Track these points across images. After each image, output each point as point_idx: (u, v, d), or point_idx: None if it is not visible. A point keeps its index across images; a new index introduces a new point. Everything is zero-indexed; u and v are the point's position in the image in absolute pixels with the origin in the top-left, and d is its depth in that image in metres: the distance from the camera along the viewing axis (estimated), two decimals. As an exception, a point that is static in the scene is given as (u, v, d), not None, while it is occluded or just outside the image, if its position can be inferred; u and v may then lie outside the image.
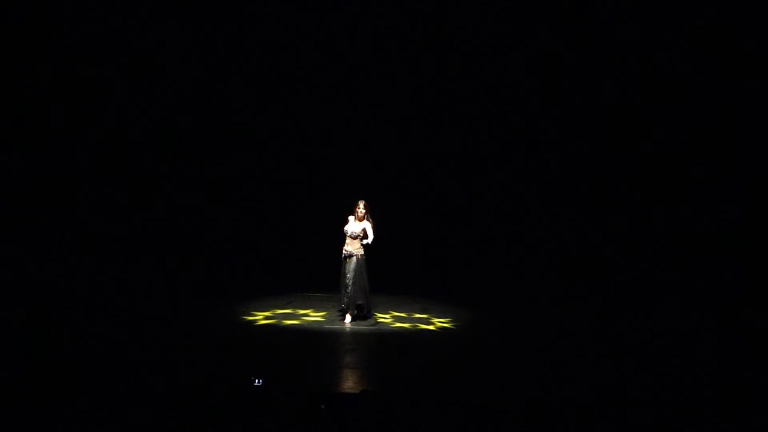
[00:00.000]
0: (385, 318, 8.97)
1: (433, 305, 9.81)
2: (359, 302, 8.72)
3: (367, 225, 8.75)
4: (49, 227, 10.49)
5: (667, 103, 10.32)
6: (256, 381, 5.31)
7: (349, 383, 6.26)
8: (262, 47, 11.27)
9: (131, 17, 10.62)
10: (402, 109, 11.53)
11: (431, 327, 8.63)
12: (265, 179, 11.73)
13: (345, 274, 8.76)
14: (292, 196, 11.76)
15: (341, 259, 8.84)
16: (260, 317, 8.81)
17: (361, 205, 8.79)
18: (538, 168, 11.30)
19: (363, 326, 8.50)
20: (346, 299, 8.73)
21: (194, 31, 10.95)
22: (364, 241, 8.70)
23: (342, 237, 8.86)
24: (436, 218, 11.58)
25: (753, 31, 9.60)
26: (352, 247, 8.78)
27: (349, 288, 8.68)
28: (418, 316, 9.20)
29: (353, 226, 8.78)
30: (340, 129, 11.61)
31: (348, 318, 8.68)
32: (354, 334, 8.14)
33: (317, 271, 10.24)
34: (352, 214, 8.82)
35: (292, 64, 11.43)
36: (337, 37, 11.30)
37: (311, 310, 9.36)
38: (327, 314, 9.05)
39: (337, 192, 11.20)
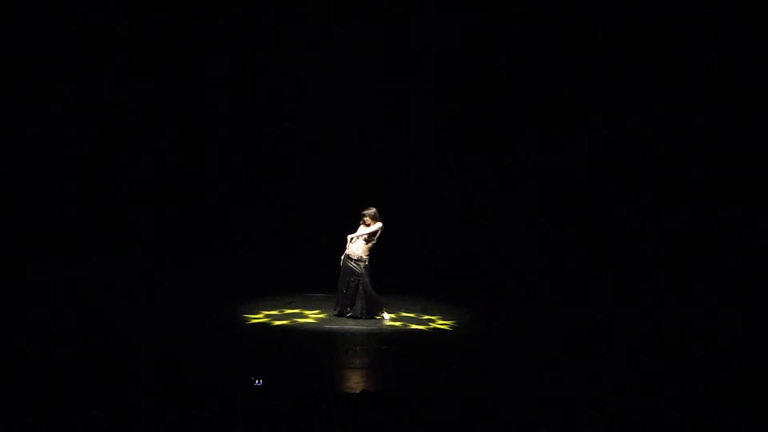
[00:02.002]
0: (387, 318, 8.95)
1: (434, 305, 9.81)
2: (377, 306, 8.86)
3: (378, 226, 8.81)
4: (47, 225, 10.53)
5: None
6: (256, 381, 5.31)
7: (349, 383, 6.27)
8: (261, 44, 11.28)
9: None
10: (402, 107, 11.52)
11: (431, 327, 8.63)
12: (263, 178, 11.74)
13: (353, 278, 8.78)
14: (292, 195, 11.75)
15: (345, 260, 8.86)
16: (260, 317, 8.81)
17: (370, 213, 8.83)
18: (538, 166, 11.32)
19: (363, 326, 8.49)
20: (359, 305, 8.77)
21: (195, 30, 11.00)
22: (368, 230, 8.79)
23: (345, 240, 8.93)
24: (435, 217, 11.57)
25: None
26: (361, 251, 8.82)
27: (362, 294, 8.75)
28: (416, 315, 9.21)
29: (364, 231, 8.85)
30: (340, 128, 11.61)
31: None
32: (354, 334, 8.14)
33: (317, 271, 10.23)
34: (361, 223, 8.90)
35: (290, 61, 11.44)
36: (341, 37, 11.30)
37: (311, 309, 9.36)
38: (327, 314, 9.04)
39: (337, 191, 11.23)
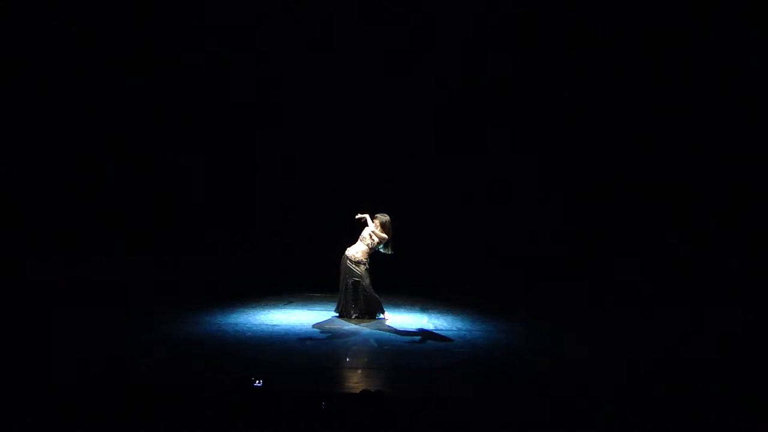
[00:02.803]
0: (388, 318, 8.95)
1: (433, 305, 9.83)
2: (377, 307, 8.86)
3: (383, 237, 8.82)
4: (44, 224, 10.54)
5: None
6: (256, 381, 5.31)
7: (349, 383, 6.27)
8: (263, 41, 11.26)
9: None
10: (401, 107, 11.51)
11: (429, 327, 8.63)
12: (263, 177, 11.74)
13: (352, 279, 8.77)
14: (292, 195, 11.75)
15: (344, 261, 8.82)
16: (260, 317, 8.81)
17: (382, 220, 8.83)
18: (538, 165, 11.33)
19: (364, 326, 8.50)
20: (360, 307, 8.78)
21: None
22: (371, 230, 8.79)
23: (350, 241, 8.92)
24: (435, 217, 11.57)
25: None
26: (362, 255, 8.80)
27: (362, 296, 8.76)
28: (416, 316, 9.22)
29: (374, 236, 8.82)
30: (340, 128, 11.60)
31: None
32: (353, 334, 8.13)
33: (317, 271, 10.23)
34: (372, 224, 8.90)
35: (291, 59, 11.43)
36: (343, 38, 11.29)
37: (311, 309, 9.37)
38: (327, 314, 9.05)
39: (336, 191, 11.23)
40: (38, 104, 10.66)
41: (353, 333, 8.18)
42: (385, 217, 8.86)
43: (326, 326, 8.46)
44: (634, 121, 10.77)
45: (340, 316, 8.88)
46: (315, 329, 8.28)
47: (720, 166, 10.40)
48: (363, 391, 5.29)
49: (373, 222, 8.87)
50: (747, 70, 10.13)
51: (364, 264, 8.82)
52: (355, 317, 8.77)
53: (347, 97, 11.47)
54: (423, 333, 8.28)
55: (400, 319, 8.97)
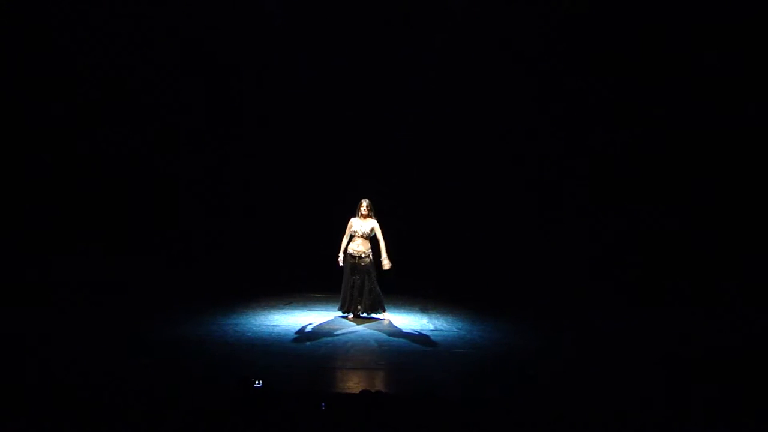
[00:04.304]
0: (388, 317, 8.95)
1: (433, 305, 9.83)
2: (379, 304, 8.84)
3: (375, 224, 8.76)
4: (46, 224, 10.54)
5: None
6: (256, 382, 5.31)
7: (349, 383, 6.27)
8: (258, 40, 11.25)
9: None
10: (399, 106, 11.50)
11: (429, 327, 8.64)
12: (264, 178, 11.74)
13: (358, 275, 8.76)
14: (292, 195, 11.75)
15: (348, 259, 8.79)
16: (260, 317, 8.81)
17: (364, 203, 8.78)
18: (538, 166, 11.33)
19: (363, 326, 8.50)
20: (364, 302, 8.77)
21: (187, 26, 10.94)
22: (381, 245, 8.69)
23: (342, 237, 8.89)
24: (436, 217, 11.57)
25: None
26: (364, 247, 8.78)
27: (367, 291, 8.74)
28: (416, 316, 9.22)
29: (362, 225, 8.78)
30: (339, 128, 11.61)
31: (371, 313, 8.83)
32: (353, 334, 8.14)
33: (317, 271, 10.23)
34: (354, 215, 8.82)
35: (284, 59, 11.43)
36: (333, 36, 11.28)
37: (312, 310, 9.37)
38: (327, 314, 9.05)
39: (337, 191, 11.22)
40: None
41: (353, 333, 8.18)
42: (362, 207, 8.78)
43: (326, 326, 8.46)
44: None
45: (344, 316, 8.88)
46: (315, 329, 8.29)
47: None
48: (363, 391, 5.29)
49: (358, 212, 8.79)
50: None
51: (369, 257, 8.80)
52: (360, 314, 8.78)
53: (347, 98, 11.48)
54: (423, 333, 8.28)
55: (400, 319, 8.97)
